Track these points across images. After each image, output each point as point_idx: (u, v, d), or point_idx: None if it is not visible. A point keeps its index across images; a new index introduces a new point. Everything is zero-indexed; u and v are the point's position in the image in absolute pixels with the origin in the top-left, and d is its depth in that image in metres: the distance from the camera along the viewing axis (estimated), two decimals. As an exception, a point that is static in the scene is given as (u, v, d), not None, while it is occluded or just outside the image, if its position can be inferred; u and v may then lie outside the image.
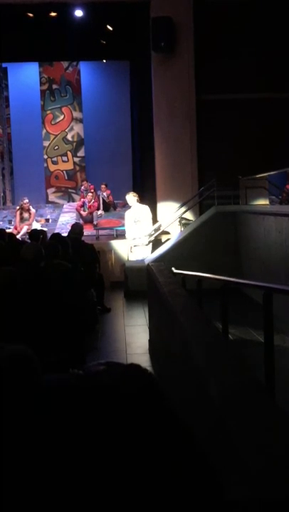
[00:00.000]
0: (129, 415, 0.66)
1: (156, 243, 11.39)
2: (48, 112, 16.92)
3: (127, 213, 11.61)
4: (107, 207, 15.27)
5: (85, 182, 15.89)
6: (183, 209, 11.91)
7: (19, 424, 0.65)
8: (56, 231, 11.59)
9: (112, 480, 0.63)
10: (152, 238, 11.39)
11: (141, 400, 0.68)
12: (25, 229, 13.23)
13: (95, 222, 14.32)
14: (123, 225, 13.28)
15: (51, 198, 16.97)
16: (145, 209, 11.44)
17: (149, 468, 0.64)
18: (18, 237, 11.18)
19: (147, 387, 0.69)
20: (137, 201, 11.43)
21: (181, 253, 10.26)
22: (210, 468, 0.68)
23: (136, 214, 11.33)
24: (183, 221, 11.77)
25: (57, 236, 7.49)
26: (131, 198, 11.45)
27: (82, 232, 8.90)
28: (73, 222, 11.21)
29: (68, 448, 0.64)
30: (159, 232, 11.67)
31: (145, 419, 0.67)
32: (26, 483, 0.63)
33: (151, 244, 11.32)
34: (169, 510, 0.63)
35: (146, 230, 11.31)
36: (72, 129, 17.01)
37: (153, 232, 11.49)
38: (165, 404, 0.69)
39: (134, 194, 11.58)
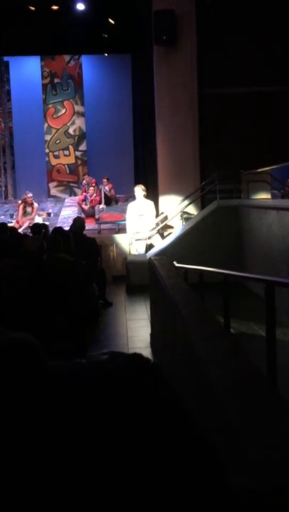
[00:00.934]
0: (133, 402, 0.66)
1: (161, 235, 11.42)
2: (50, 105, 16.90)
3: (131, 206, 11.62)
4: (109, 201, 15.26)
5: (86, 176, 15.87)
6: (185, 203, 11.90)
7: (23, 409, 0.65)
8: (58, 225, 11.61)
9: (119, 467, 0.63)
10: (154, 232, 11.39)
11: (145, 387, 0.68)
12: (27, 223, 13.23)
13: (96, 216, 14.32)
14: (125, 219, 13.28)
15: (53, 192, 16.97)
16: (150, 204, 11.46)
17: (155, 456, 0.65)
18: (20, 231, 11.19)
19: (151, 375, 0.70)
20: (144, 196, 11.44)
21: (183, 247, 10.26)
22: (214, 454, 0.68)
23: (140, 208, 11.34)
24: (185, 215, 11.77)
25: (59, 230, 7.50)
26: (139, 191, 11.48)
27: (84, 226, 8.90)
28: (75, 216, 11.21)
29: (73, 434, 0.65)
30: (163, 224, 11.67)
31: (149, 405, 0.67)
32: (32, 472, 0.63)
33: (152, 238, 11.33)
34: (173, 498, 0.63)
35: (150, 225, 11.32)
36: (73, 122, 16.99)
37: (156, 226, 11.50)
38: (170, 391, 0.70)
39: (143, 188, 11.64)
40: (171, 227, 11.63)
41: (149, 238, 11.26)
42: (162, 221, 11.69)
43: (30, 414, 0.64)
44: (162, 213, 11.99)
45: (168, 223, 11.79)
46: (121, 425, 0.63)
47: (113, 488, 0.61)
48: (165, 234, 11.50)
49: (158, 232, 11.39)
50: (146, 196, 11.59)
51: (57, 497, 0.61)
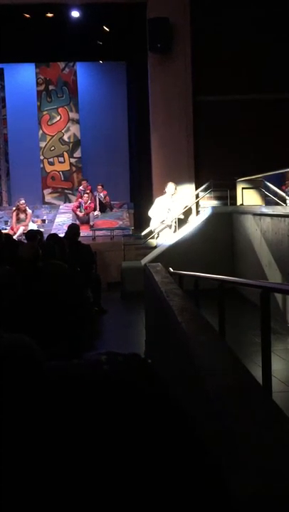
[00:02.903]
0: (131, 402, 0.66)
1: (181, 223, 11.59)
2: (45, 112, 16.90)
3: (160, 200, 11.87)
4: (104, 208, 15.26)
5: (84, 182, 15.85)
6: (180, 209, 11.92)
7: (21, 412, 0.65)
8: (53, 232, 11.59)
9: (118, 468, 0.63)
10: (172, 222, 11.66)
11: (142, 387, 0.68)
12: (21, 230, 13.22)
13: (91, 223, 14.31)
14: (119, 226, 13.30)
15: (47, 198, 16.95)
16: (178, 201, 11.86)
17: (152, 458, 0.64)
18: (14, 237, 11.17)
19: (147, 376, 0.70)
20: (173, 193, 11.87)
21: (178, 253, 10.27)
22: (211, 458, 0.68)
23: (171, 203, 11.72)
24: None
25: (53, 236, 7.49)
26: (172, 187, 11.84)
27: (79, 233, 8.90)
28: (70, 223, 11.21)
29: (71, 434, 0.64)
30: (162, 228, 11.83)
31: (147, 406, 0.67)
32: (30, 472, 0.63)
33: (173, 227, 11.63)
34: (171, 500, 0.63)
35: (174, 216, 11.69)
36: (68, 129, 17.00)
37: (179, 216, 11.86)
38: (165, 392, 0.70)
39: (176, 187, 11.91)
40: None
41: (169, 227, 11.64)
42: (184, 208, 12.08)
43: (28, 415, 0.64)
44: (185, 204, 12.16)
45: (159, 231, 11.89)
46: (119, 426, 0.63)
47: (112, 488, 0.60)
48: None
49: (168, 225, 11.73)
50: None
51: (55, 496, 0.61)
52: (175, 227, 11.61)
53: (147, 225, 12.77)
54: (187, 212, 12.07)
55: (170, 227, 11.65)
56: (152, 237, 11.87)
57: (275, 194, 11.47)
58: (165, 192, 11.83)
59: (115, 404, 0.65)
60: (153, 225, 11.87)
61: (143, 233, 12.24)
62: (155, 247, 11.37)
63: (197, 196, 12.33)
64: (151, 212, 11.91)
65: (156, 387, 0.69)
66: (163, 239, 11.46)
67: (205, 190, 12.21)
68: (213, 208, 11.16)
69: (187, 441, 0.68)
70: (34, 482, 0.63)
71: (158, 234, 11.79)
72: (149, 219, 12.99)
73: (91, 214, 14.59)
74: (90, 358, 0.71)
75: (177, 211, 11.78)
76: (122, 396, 0.66)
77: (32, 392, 0.65)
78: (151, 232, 12.03)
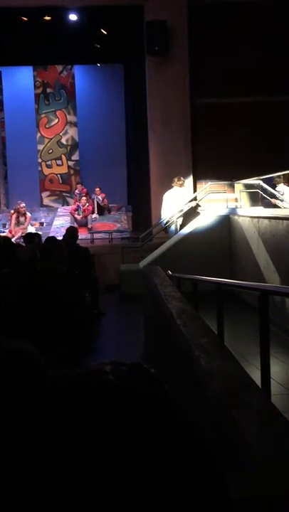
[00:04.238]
0: (135, 412, 0.66)
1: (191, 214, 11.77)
2: (43, 115, 16.92)
3: (168, 194, 11.97)
4: (102, 210, 15.27)
5: (79, 185, 15.88)
6: (178, 212, 11.93)
7: (23, 420, 0.65)
8: (51, 235, 11.59)
9: (120, 477, 0.63)
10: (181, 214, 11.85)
11: (146, 397, 0.68)
12: (20, 233, 13.22)
13: (89, 226, 14.31)
14: (118, 229, 13.32)
15: (45, 201, 16.96)
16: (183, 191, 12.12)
17: (156, 467, 0.65)
18: (12, 240, 11.16)
19: (151, 385, 0.70)
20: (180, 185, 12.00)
21: (176, 256, 10.27)
22: (216, 465, 0.69)
23: (181, 194, 11.98)
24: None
25: (52, 239, 7.49)
26: (180, 180, 12.01)
27: (77, 236, 8.90)
28: (68, 226, 11.21)
29: (75, 446, 0.64)
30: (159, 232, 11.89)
31: (152, 416, 0.67)
32: (30, 484, 0.63)
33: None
34: (174, 506, 0.63)
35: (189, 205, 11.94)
36: (66, 132, 17.01)
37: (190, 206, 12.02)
38: (171, 402, 0.70)
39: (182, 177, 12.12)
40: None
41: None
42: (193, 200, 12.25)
43: (31, 424, 0.64)
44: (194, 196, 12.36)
45: (158, 236, 11.92)
46: (124, 434, 0.63)
47: (113, 495, 0.61)
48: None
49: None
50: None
51: (55, 503, 0.61)
52: (176, 228, 11.67)
53: (145, 227, 12.78)
54: (186, 215, 12.07)
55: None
56: (166, 229, 12.01)
57: (273, 196, 11.49)
58: (172, 186, 11.90)
59: (120, 413, 0.65)
60: (165, 215, 11.94)
61: (141, 236, 12.25)
62: (159, 245, 11.39)
63: (195, 199, 12.34)
64: (163, 209, 12.01)
65: (160, 396, 0.69)
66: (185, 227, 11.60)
67: (203, 192, 12.23)
68: (212, 210, 11.17)
69: (192, 449, 0.68)
70: (33, 489, 0.63)
71: (176, 222, 11.87)
72: (147, 221, 13.02)
73: (89, 217, 14.59)
74: (93, 367, 0.71)
75: (188, 203, 11.97)
76: (127, 405, 0.66)
77: (35, 400, 0.65)
78: (151, 233, 12.05)
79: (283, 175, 11.69)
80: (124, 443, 0.62)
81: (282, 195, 11.60)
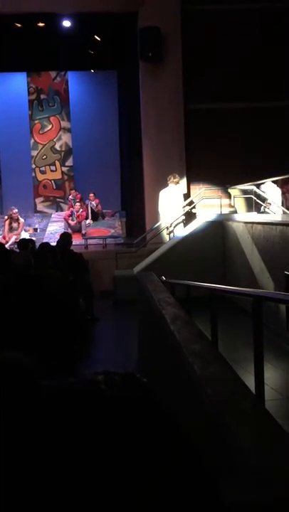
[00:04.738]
0: (128, 422, 0.67)
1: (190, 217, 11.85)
2: (36, 121, 16.92)
3: (164, 191, 12.11)
4: (96, 216, 15.27)
5: (73, 191, 15.88)
6: (172, 218, 11.95)
7: (19, 430, 0.65)
8: (45, 240, 11.59)
9: (115, 487, 0.64)
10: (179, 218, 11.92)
11: (139, 407, 0.69)
12: (13, 238, 13.21)
13: (83, 232, 14.31)
14: (112, 235, 13.33)
15: (39, 207, 16.94)
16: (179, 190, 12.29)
17: (148, 474, 0.65)
18: (6, 246, 11.15)
19: (144, 394, 0.71)
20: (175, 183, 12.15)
21: (170, 261, 10.28)
22: (207, 472, 0.69)
23: (177, 192, 12.15)
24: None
25: (46, 245, 7.49)
26: (175, 177, 12.17)
27: (71, 242, 8.90)
28: (62, 232, 11.20)
29: (68, 455, 0.65)
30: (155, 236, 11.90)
31: (144, 426, 0.68)
32: (27, 493, 0.64)
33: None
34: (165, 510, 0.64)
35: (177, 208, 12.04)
36: (60, 138, 17.01)
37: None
38: (163, 411, 0.71)
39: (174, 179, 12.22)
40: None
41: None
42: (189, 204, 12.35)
43: (26, 436, 0.64)
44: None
45: (152, 241, 11.90)
46: (116, 443, 0.64)
47: (107, 503, 0.61)
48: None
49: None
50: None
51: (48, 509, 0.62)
52: (169, 233, 11.72)
53: (139, 233, 12.79)
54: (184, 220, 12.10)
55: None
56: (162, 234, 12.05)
57: (264, 201, 11.52)
58: (168, 184, 11.96)
59: (112, 422, 0.66)
60: (164, 220, 12.00)
61: (135, 241, 12.27)
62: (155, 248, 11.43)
63: (190, 204, 12.36)
64: (160, 208, 12.09)
65: (153, 406, 0.70)
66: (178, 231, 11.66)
67: (197, 198, 12.26)
68: (205, 215, 11.19)
69: (184, 459, 0.69)
70: (27, 493, 0.64)
71: (172, 228, 11.92)
72: (141, 226, 13.03)
73: (83, 222, 14.59)
74: (86, 377, 0.72)
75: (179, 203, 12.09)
76: (119, 414, 0.67)
77: (30, 411, 0.66)
78: (145, 239, 12.06)
79: (276, 180, 11.72)
80: (116, 451, 0.63)
81: (263, 192, 11.60)
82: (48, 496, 0.62)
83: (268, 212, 11.11)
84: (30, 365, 0.69)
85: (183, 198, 12.24)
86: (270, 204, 11.44)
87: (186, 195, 12.63)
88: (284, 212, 10.88)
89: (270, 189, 11.81)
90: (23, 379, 0.67)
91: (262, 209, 11.35)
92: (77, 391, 0.68)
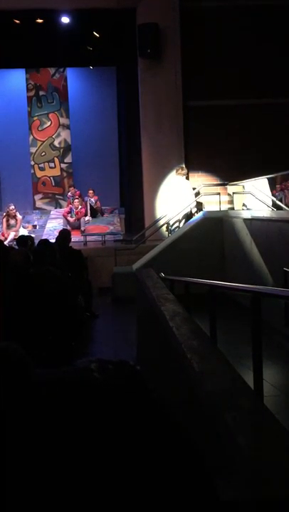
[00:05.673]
0: (120, 409, 0.66)
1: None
2: (35, 118, 16.89)
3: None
4: (95, 213, 15.25)
5: (72, 188, 15.86)
6: (171, 215, 11.94)
7: (9, 417, 0.65)
8: (44, 237, 11.57)
9: (106, 475, 0.63)
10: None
11: (131, 395, 0.68)
12: (12, 235, 13.19)
13: (82, 229, 14.28)
14: (111, 231, 13.32)
15: (38, 204, 16.92)
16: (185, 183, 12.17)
17: (141, 463, 0.65)
18: (5, 243, 11.13)
19: (136, 382, 0.70)
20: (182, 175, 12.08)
21: (169, 258, 10.27)
22: (201, 462, 0.69)
23: (182, 183, 12.03)
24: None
25: (45, 242, 7.47)
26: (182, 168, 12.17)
27: (70, 239, 8.88)
28: (61, 229, 11.18)
29: (60, 441, 0.65)
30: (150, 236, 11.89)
31: (136, 413, 0.67)
32: (21, 482, 0.63)
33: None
34: (161, 507, 0.64)
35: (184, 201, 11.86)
36: (59, 135, 16.99)
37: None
38: (153, 399, 0.70)
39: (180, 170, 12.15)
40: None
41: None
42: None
43: (17, 420, 0.64)
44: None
45: (151, 238, 11.89)
46: (109, 430, 0.63)
47: (101, 494, 0.61)
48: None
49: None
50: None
51: (42, 502, 0.61)
52: (169, 231, 11.71)
53: (138, 229, 12.78)
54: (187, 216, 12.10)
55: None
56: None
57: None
58: (175, 176, 12.02)
59: (105, 410, 0.66)
60: (172, 212, 11.94)
61: (134, 237, 12.26)
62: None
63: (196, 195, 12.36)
64: (166, 200, 12.13)
65: (145, 393, 0.69)
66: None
67: (196, 194, 12.24)
68: (204, 212, 11.18)
69: (177, 445, 0.68)
70: (17, 483, 0.64)
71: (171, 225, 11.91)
72: (140, 223, 13.02)
73: (82, 219, 14.57)
74: (79, 364, 0.72)
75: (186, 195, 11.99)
76: (112, 401, 0.66)
77: (20, 398, 0.66)
78: (144, 235, 12.06)
79: (275, 177, 11.71)
80: (109, 438, 0.62)
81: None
82: (39, 482, 0.62)
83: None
84: (19, 352, 0.69)
85: (192, 190, 12.16)
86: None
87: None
88: (282, 209, 10.87)
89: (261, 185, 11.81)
90: (13, 366, 0.67)
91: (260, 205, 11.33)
92: (70, 378, 0.68)
